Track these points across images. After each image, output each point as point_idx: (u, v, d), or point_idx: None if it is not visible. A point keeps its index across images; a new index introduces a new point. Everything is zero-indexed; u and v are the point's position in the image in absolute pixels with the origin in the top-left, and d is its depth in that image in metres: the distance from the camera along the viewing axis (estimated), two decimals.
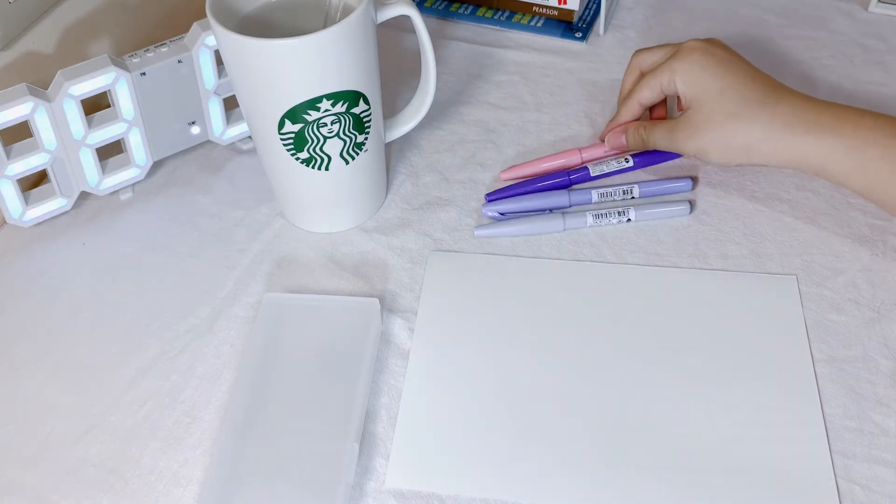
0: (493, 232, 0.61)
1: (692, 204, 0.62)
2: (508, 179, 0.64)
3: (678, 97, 0.61)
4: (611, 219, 0.61)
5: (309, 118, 0.54)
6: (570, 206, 0.62)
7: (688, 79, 0.58)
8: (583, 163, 0.64)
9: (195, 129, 0.65)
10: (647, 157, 0.64)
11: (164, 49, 0.61)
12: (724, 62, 0.58)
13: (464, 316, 0.56)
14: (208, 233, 0.63)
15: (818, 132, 0.54)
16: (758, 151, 0.56)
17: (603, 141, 0.65)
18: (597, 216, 0.61)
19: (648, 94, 0.61)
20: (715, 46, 0.59)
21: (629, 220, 0.61)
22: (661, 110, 0.65)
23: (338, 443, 0.49)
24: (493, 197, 0.63)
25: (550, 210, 0.62)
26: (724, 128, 0.57)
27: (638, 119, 0.64)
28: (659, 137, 0.61)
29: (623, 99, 0.64)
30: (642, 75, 0.63)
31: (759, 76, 0.58)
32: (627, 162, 0.63)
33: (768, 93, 0.57)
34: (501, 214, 0.62)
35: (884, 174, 0.53)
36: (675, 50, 0.60)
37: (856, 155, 0.54)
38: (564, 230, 0.61)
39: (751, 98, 0.56)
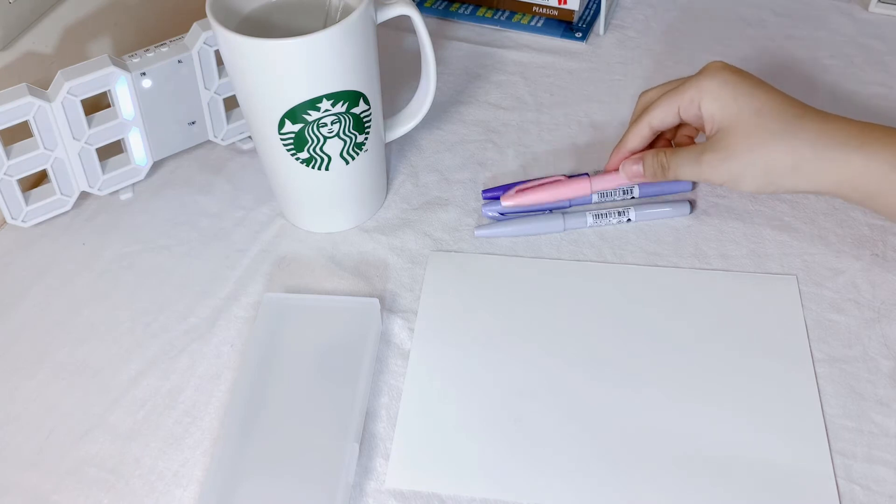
0: (494, 232, 0.61)
1: (692, 204, 0.62)
2: (511, 205, 0.61)
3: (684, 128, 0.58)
4: (611, 219, 0.61)
5: (309, 118, 0.54)
6: (570, 206, 0.62)
7: (720, 97, 0.53)
8: (592, 192, 0.61)
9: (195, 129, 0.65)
10: (654, 186, 0.62)
11: (164, 49, 0.61)
12: (754, 82, 0.54)
13: (464, 316, 0.56)
14: (208, 233, 0.63)
15: (872, 146, 0.50)
16: (804, 172, 0.52)
17: (606, 171, 0.61)
18: (597, 216, 0.61)
19: (662, 115, 0.57)
20: (737, 69, 0.55)
21: (629, 219, 0.61)
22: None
23: (338, 443, 0.49)
24: (490, 194, 0.63)
25: (550, 210, 0.62)
26: (768, 148, 0.52)
27: (648, 146, 0.59)
28: (683, 164, 0.56)
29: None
30: None
31: (789, 97, 0.54)
32: (633, 190, 0.61)
33: (807, 109, 0.53)
34: (501, 214, 0.62)
35: None
36: (688, 78, 0.56)
37: None
38: (564, 230, 0.61)
39: (793, 114, 0.52)
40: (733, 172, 0.54)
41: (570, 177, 0.62)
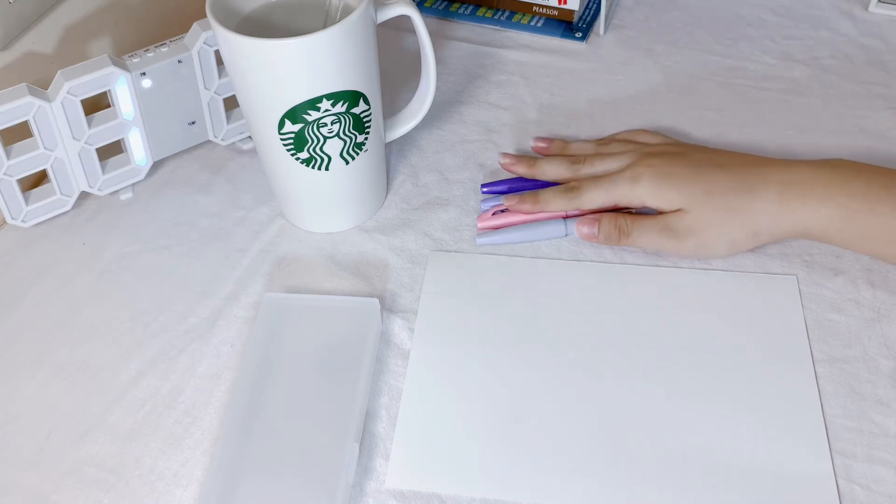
0: (495, 240, 0.60)
1: None
2: (485, 228, 0.61)
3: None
4: None
5: (309, 118, 0.54)
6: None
7: (661, 196, 0.56)
8: (569, 216, 0.60)
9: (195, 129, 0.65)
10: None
11: (164, 49, 0.61)
12: (686, 163, 0.57)
13: (464, 316, 0.56)
14: (208, 233, 0.63)
15: (814, 204, 0.54)
16: (765, 234, 0.56)
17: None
18: None
19: (598, 202, 0.59)
20: (661, 154, 0.58)
21: None
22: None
23: (338, 442, 0.49)
24: (489, 188, 0.63)
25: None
26: (727, 223, 0.56)
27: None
28: (647, 238, 0.57)
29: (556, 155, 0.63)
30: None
31: (722, 157, 0.58)
32: None
33: (747, 172, 0.56)
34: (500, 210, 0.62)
35: (883, 241, 0.54)
36: (617, 164, 0.59)
37: (855, 226, 0.53)
38: (566, 235, 0.60)
39: (738, 188, 0.55)
40: (698, 248, 0.57)
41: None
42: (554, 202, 0.60)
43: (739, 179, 0.56)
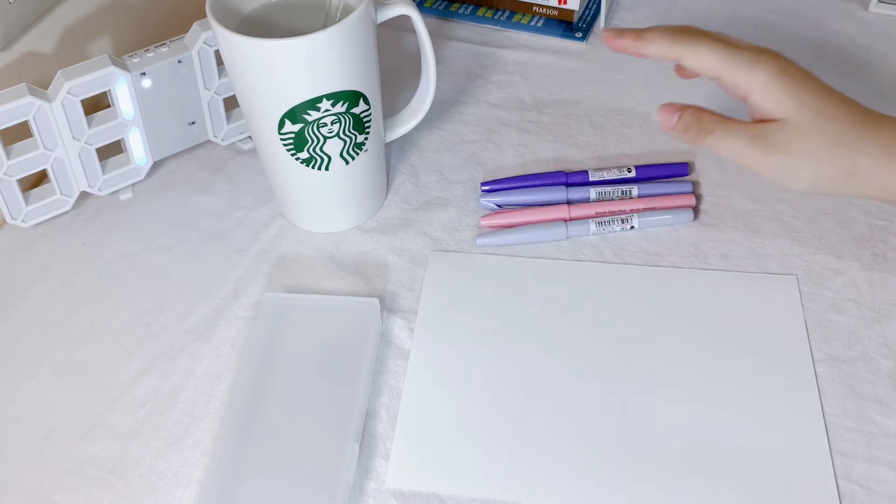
0: (496, 241, 0.60)
1: (696, 211, 0.61)
2: (488, 227, 0.61)
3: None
4: (614, 226, 0.60)
5: (309, 118, 0.54)
6: (569, 201, 0.62)
7: (775, 94, 0.50)
8: (570, 219, 0.61)
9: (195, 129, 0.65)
10: (650, 169, 0.63)
11: (164, 49, 0.61)
12: (812, 78, 0.51)
13: (464, 316, 0.56)
14: (208, 233, 0.63)
15: None
16: (859, 179, 0.50)
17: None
18: (599, 224, 0.60)
19: (699, 66, 0.52)
20: (792, 64, 0.52)
21: (633, 227, 0.60)
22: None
23: (338, 443, 0.49)
24: (489, 187, 0.63)
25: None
26: (828, 153, 0.49)
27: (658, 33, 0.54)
28: (731, 142, 0.51)
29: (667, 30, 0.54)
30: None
31: (845, 97, 0.51)
32: (630, 171, 0.62)
33: (864, 115, 0.51)
34: (499, 206, 0.62)
35: None
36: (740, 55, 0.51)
37: None
38: (567, 238, 0.60)
39: (852, 121, 0.50)
40: (780, 170, 0.50)
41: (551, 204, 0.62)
42: (657, 43, 0.53)
43: (854, 113, 0.50)
